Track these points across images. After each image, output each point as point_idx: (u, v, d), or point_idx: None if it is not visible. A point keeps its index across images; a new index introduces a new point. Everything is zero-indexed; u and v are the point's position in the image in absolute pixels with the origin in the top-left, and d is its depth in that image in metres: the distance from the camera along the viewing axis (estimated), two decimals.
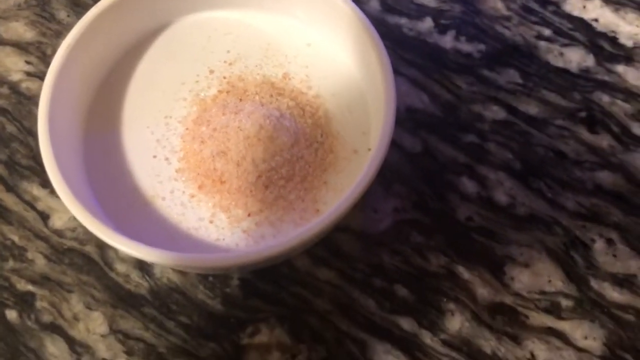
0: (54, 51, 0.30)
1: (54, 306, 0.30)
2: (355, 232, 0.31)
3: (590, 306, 0.30)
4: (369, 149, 0.30)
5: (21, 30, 0.38)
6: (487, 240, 0.31)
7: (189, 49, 0.33)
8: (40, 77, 0.36)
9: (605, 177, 0.32)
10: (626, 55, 0.36)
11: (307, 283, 0.30)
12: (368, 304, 0.30)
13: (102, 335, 0.29)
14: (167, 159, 0.30)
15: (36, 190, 0.33)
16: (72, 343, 0.29)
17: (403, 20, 0.37)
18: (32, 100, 0.35)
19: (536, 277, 0.30)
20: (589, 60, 0.36)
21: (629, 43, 0.36)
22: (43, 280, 0.31)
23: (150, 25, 0.33)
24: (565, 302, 0.30)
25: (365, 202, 0.32)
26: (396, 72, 0.32)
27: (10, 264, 0.31)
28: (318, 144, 0.30)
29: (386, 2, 0.38)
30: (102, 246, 0.31)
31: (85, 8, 0.31)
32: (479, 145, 0.33)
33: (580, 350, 0.29)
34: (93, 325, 0.30)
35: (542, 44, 0.36)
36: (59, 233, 0.32)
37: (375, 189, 0.32)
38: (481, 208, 0.32)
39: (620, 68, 0.35)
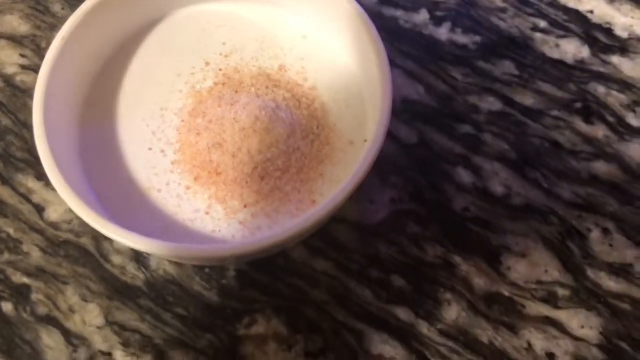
0: (49, 44, 0.30)
1: (49, 298, 0.30)
2: (351, 223, 0.31)
3: (587, 296, 0.30)
4: (365, 141, 0.30)
5: (16, 23, 0.37)
6: (484, 230, 0.31)
7: (184, 41, 0.33)
8: (35, 70, 0.36)
9: (600, 167, 0.32)
10: (621, 46, 0.36)
11: (303, 274, 0.30)
12: (365, 295, 0.30)
13: (98, 327, 0.29)
14: (163, 151, 0.30)
15: (31, 183, 0.33)
16: (68, 335, 0.29)
17: (399, 13, 0.37)
18: (27, 93, 0.35)
19: (533, 267, 0.30)
20: (585, 52, 0.36)
21: (624, 34, 0.36)
22: (39, 273, 0.30)
23: (146, 17, 0.33)
24: (561, 292, 0.30)
25: (361, 193, 0.32)
26: (392, 63, 0.32)
27: (6, 256, 0.31)
28: (314, 135, 0.30)
29: None
30: (98, 238, 0.31)
31: (80, 1, 0.31)
32: (475, 136, 0.33)
33: (577, 339, 0.29)
34: (89, 317, 0.29)
35: (538, 35, 0.36)
36: (54, 225, 0.31)
37: (372, 180, 0.32)
38: (477, 198, 0.32)
39: (615, 59, 0.36)
